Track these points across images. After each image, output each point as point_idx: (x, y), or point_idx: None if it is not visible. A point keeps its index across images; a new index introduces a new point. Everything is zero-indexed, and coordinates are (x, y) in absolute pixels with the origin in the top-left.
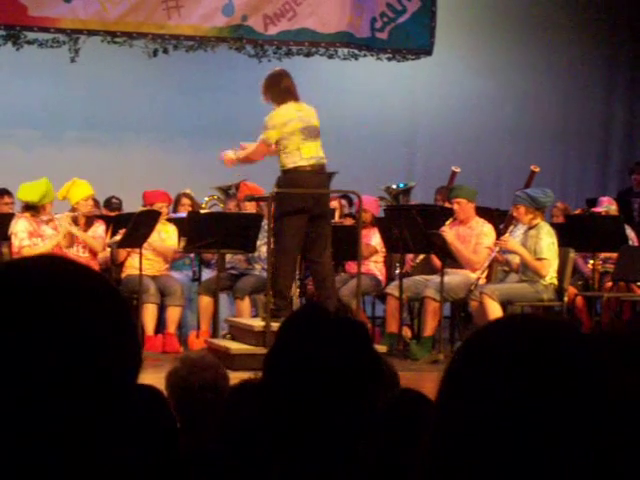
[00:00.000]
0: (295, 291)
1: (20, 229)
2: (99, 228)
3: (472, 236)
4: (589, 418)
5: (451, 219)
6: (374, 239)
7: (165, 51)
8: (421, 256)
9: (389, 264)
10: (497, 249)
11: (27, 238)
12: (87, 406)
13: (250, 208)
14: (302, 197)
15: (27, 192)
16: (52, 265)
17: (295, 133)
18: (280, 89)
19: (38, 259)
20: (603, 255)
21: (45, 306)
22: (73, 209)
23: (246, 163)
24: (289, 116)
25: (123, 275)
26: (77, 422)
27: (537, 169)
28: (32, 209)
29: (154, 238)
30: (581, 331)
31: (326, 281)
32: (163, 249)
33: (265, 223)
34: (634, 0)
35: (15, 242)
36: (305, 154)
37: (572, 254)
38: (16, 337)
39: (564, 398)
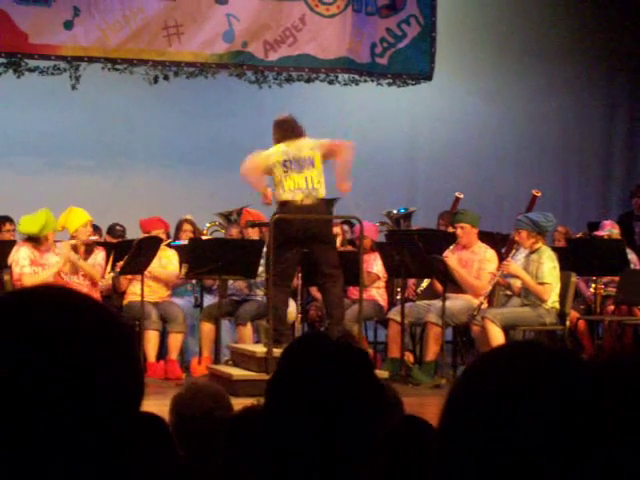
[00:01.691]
0: (297, 317)
1: (22, 256)
2: (99, 255)
3: (474, 261)
4: (589, 445)
5: (454, 244)
6: (375, 266)
7: (166, 78)
8: (425, 283)
9: (391, 289)
10: (500, 273)
11: (28, 266)
12: (89, 436)
13: (253, 234)
14: (290, 228)
15: (27, 225)
16: (53, 295)
17: (276, 166)
18: (279, 135)
19: (39, 289)
20: (605, 279)
21: (46, 336)
22: (72, 237)
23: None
24: (272, 151)
25: (125, 302)
26: (79, 452)
27: (539, 193)
28: (34, 240)
29: (154, 265)
30: (581, 358)
31: (332, 308)
32: (165, 275)
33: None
34: (633, 23)
35: (16, 270)
36: (287, 186)
37: (574, 278)
38: (16, 367)
39: (565, 426)
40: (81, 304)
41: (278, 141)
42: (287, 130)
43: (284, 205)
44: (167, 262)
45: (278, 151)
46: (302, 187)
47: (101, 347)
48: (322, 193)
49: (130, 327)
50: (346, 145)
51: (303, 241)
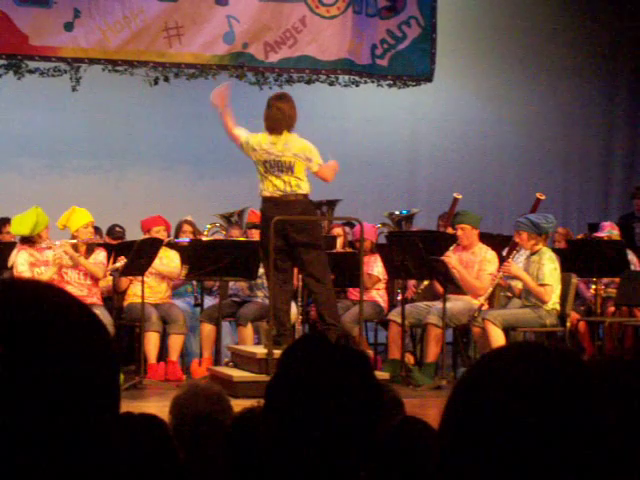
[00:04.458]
0: (298, 318)
1: (20, 262)
2: (100, 255)
3: (475, 262)
4: (589, 446)
5: (455, 244)
6: (376, 267)
7: (166, 79)
8: (424, 283)
9: (391, 290)
10: (500, 275)
11: (28, 270)
12: (63, 435)
13: (257, 235)
14: (266, 233)
15: (18, 226)
16: (22, 288)
17: (259, 163)
18: (269, 122)
19: (7, 282)
20: (605, 280)
21: (13, 329)
22: (73, 237)
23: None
24: (259, 145)
25: (125, 303)
26: (59, 451)
27: (543, 197)
28: (28, 241)
29: (156, 264)
30: (582, 359)
31: (322, 309)
32: (167, 270)
33: None
34: (635, 27)
35: (15, 275)
36: (266, 186)
37: (574, 279)
38: None
39: (565, 427)
40: (51, 297)
41: (267, 127)
42: (278, 121)
43: (266, 201)
44: (169, 261)
45: (262, 148)
46: (281, 188)
47: (73, 341)
48: (305, 189)
49: (129, 326)
50: (331, 176)
51: (282, 244)
